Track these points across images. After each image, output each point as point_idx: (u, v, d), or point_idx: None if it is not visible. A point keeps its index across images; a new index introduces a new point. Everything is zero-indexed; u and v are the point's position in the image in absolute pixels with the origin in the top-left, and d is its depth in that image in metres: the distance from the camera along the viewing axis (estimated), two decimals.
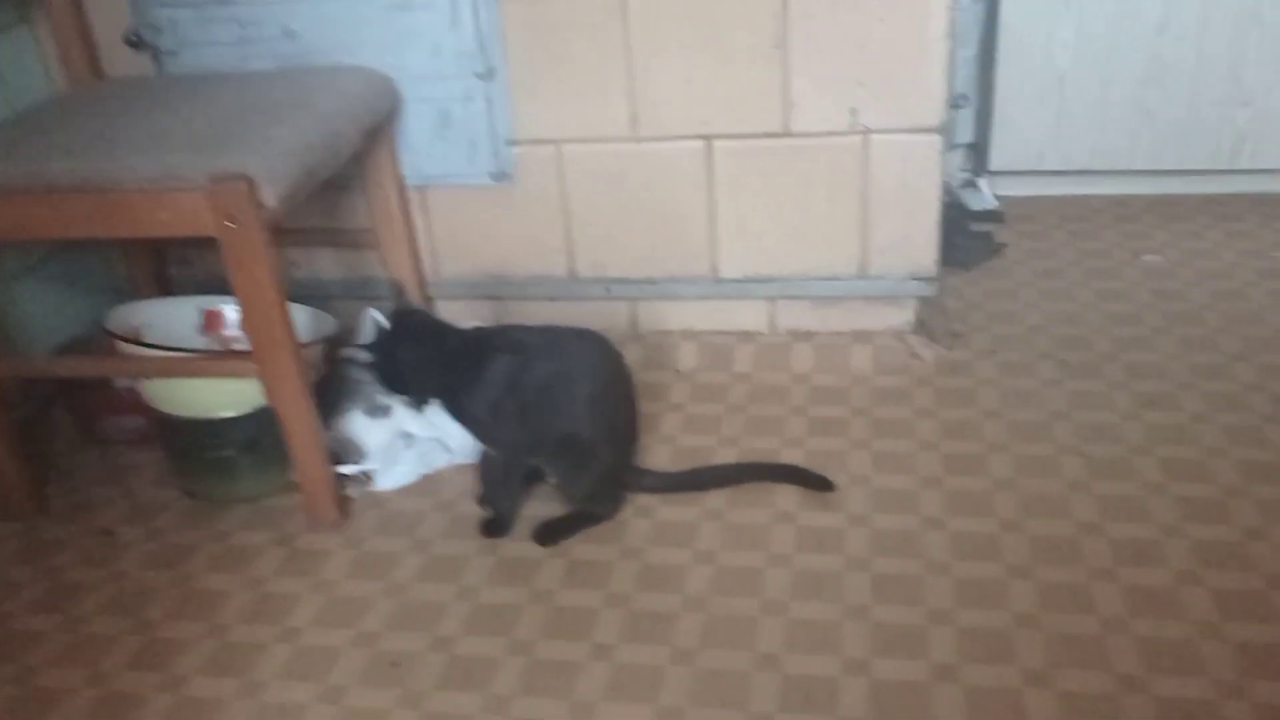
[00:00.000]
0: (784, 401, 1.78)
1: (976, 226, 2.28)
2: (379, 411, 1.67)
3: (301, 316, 1.63)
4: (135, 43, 1.81)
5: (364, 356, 1.51)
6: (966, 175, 2.45)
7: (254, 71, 1.78)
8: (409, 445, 1.66)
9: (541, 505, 1.55)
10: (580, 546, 1.48)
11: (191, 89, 1.67)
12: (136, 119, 1.54)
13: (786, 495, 1.54)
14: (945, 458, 1.60)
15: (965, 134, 2.41)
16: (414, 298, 1.85)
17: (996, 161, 2.39)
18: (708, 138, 1.78)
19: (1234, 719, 1.14)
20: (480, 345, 1.47)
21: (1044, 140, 2.35)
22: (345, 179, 1.84)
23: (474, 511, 1.56)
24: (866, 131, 1.73)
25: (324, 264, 1.99)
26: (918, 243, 1.80)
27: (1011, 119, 2.34)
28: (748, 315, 1.92)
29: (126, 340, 1.56)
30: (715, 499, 1.54)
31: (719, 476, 1.59)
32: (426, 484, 1.63)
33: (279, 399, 1.47)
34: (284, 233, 1.93)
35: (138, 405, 1.65)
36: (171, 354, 1.54)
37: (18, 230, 1.49)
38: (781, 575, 1.40)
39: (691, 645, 1.30)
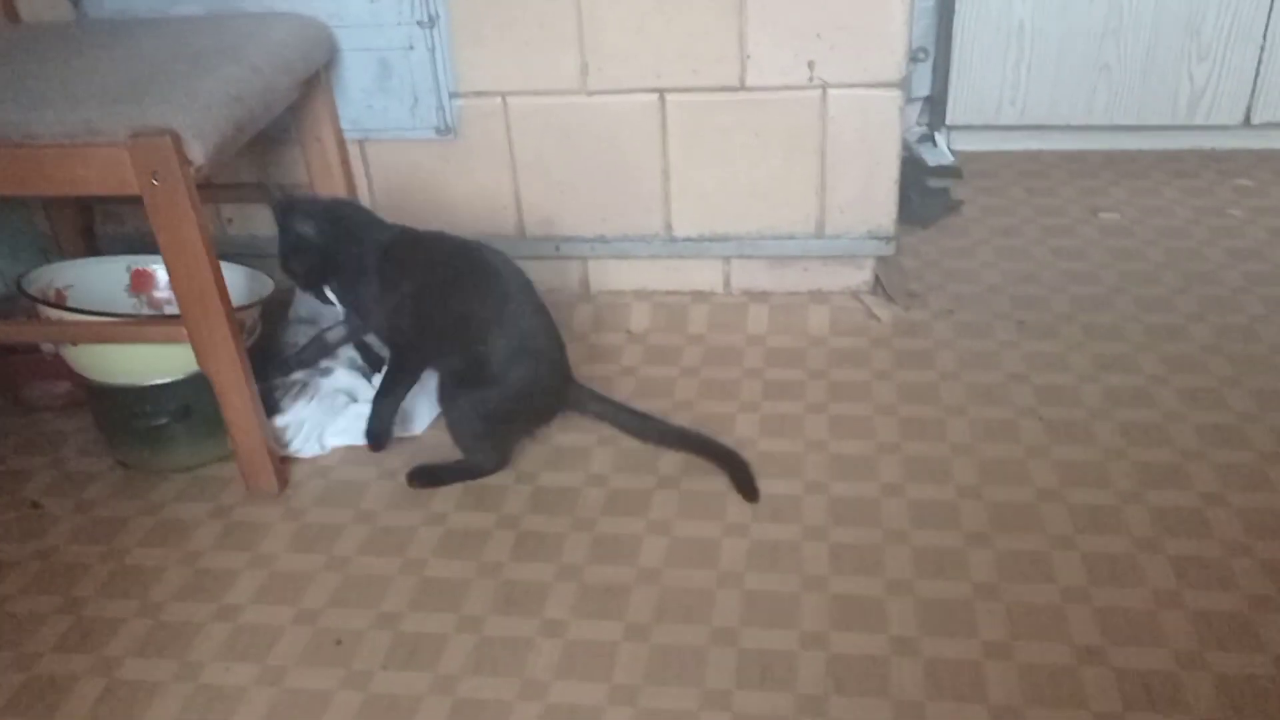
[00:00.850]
0: (739, 364, 1.74)
1: (934, 182, 2.25)
2: (320, 373, 1.62)
3: (236, 277, 1.56)
4: None
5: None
6: (923, 129, 2.41)
7: (181, 17, 1.69)
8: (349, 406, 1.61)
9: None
10: (530, 517, 1.44)
11: (113, 35, 1.58)
12: (53, 67, 1.44)
13: None
14: (902, 422, 1.57)
15: (922, 87, 2.37)
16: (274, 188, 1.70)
17: (954, 115, 2.35)
18: (661, 91, 1.71)
19: (1194, 689, 1.13)
20: (373, 234, 1.48)
21: (1001, 93, 2.31)
22: (281, 131, 1.76)
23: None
24: (825, 86, 1.68)
25: (259, 221, 1.90)
26: (876, 201, 1.76)
27: (969, 71, 2.30)
28: (702, 275, 1.88)
29: (46, 303, 1.48)
30: (669, 465, 1.50)
31: (664, 434, 1.52)
32: (370, 453, 1.57)
33: (212, 364, 1.41)
34: (215, 188, 1.86)
35: (65, 370, 1.57)
36: (94, 318, 1.46)
37: None
38: (738, 545, 1.36)
39: (646, 620, 1.26)
